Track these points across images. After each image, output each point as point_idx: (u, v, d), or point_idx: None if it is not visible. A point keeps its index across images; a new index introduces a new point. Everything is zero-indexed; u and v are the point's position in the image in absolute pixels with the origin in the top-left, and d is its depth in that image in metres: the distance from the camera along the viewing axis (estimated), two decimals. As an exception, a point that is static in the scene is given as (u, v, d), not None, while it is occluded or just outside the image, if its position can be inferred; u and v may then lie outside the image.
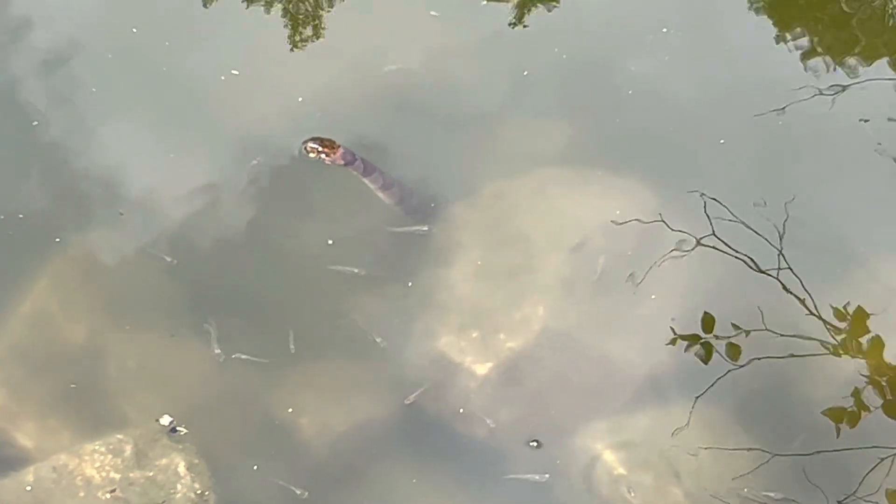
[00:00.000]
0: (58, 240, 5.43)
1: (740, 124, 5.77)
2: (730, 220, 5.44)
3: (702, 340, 5.21)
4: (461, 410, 5.17)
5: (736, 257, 5.40)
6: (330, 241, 5.43)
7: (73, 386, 5.16)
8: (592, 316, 5.33)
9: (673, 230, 5.42)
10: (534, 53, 6.01)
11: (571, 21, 6.17)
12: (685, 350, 5.24)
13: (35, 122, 5.72)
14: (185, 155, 5.69)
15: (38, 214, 5.54)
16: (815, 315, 5.29)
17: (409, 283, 5.44)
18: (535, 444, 5.06)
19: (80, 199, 5.57)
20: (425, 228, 5.38)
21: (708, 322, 5.24)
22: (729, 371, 5.23)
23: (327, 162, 5.56)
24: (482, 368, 5.20)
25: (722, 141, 5.74)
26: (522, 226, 5.59)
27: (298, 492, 4.96)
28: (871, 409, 5.11)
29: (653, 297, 5.34)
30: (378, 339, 5.24)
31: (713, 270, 5.42)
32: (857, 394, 5.13)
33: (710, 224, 5.49)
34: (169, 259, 5.33)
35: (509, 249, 5.51)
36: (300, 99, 5.77)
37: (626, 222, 5.50)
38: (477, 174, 5.73)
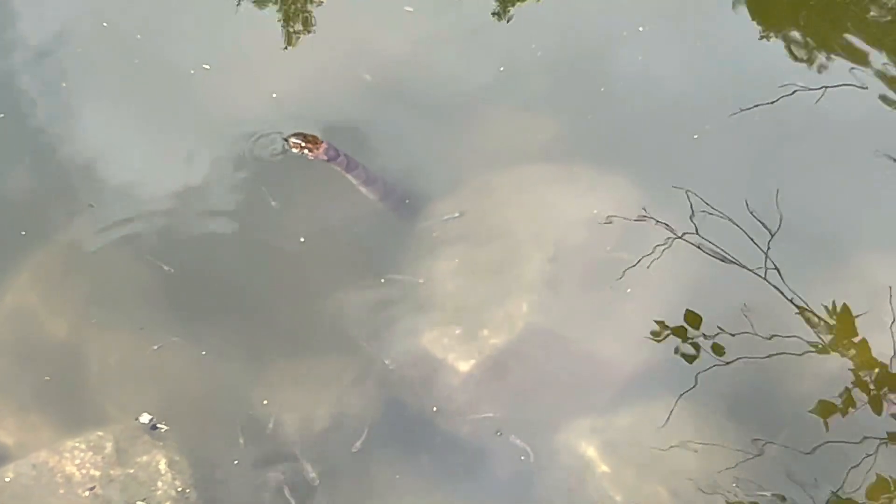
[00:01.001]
0: (23, 233, 5.37)
1: (726, 120, 5.74)
2: (717, 217, 5.41)
3: (689, 339, 5.20)
4: (443, 407, 5.13)
5: (723, 257, 5.37)
6: (302, 239, 5.40)
7: (53, 382, 5.13)
8: (577, 312, 5.31)
9: (658, 222, 5.39)
10: (513, 48, 5.97)
11: (550, 16, 6.12)
12: (675, 352, 5.19)
13: (1, 115, 5.66)
14: (162, 149, 5.69)
15: (15, 207, 5.52)
16: (807, 311, 5.26)
17: (391, 279, 5.39)
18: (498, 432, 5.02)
19: (57, 193, 5.55)
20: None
21: (693, 319, 5.23)
22: (714, 366, 5.19)
23: (310, 157, 5.54)
24: (465, 365, 5.18)
25: (697, 136, 5.72)
26: (506, 221, 5.56)
27: (282, 489, 4.93)
28: (857, 404, 5.09)
29: (637, 294, 5.32)
30: (359, 335, 5.21)
31: (699, 268, 5.40)
32: (847, 393, 5.12)
33: (693, 222, 5.45)
34: (167, 268, 5.28)
35: (493, 245, 5.49)
36: (274, 95, 5.74)
37: (610, 219, 5.45)
38: (460, 169, 5.71)
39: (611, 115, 5.84)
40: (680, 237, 5.39)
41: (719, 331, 5.22)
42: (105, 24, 5.91)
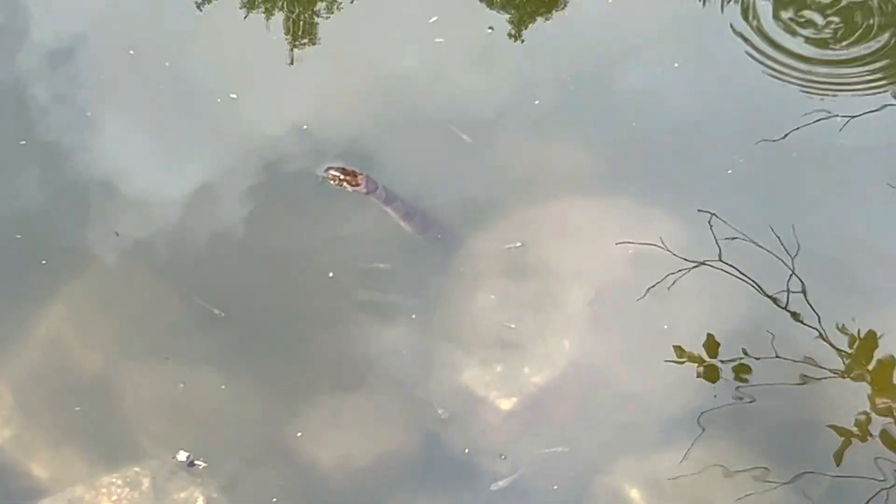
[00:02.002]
0: (44, 262, 5.32)
1: (759, 151, 5.68)
2: (765, 253, 5.32)
3: (705, 364, 5.13)
4: (482, 446, 5.05)
5: (767, 294, 5.29)
6: (331, 274, 5.33)
7: (87, 415, 5.06)
8: (619, 350, 5.23)
9: (701, 264, 5.31)
10: (546, 82, 5.92)
11: (583, 51, 6.06)
12: (697, 375, 5.11)
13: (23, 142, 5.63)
14: (189, 179, 5.63)
15: (43, 236, 5.46)
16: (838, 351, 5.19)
17: (431, 315, 5.32)
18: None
19: (86, 221, 5.51)
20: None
21: (712, 346, 5.16)
22: (744, 401, 5.12)
23: (349, 190, 5.48)
24: (507, 403, 5.10)
25: (730, 171, 5.63)
26: (546, 256, 5.49)
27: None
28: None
29: (680, 329, 5.23)
30: (400, 372, 5.13)
31: (743, 305, 5.31)
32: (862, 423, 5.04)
33: (718, 254, 5.37)
34: (217, 311, 5.21)
35: (533, 280, 5.42)
36: (305, 126, 5.69)
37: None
38: (498, 203, 5.63)
39: (645, 147, 5.75)
40: (714, 267, 5.29)
41: (744, 355, 5.15)
42: (132, 52, 5.86)
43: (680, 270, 5.32)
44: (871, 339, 5.21)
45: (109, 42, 5.99)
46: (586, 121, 5.89)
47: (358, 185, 5.48)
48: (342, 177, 5.48)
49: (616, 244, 5.45)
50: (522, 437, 5.07)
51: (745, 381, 5.14)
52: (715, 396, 5.13)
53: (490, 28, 6.04)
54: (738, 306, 5.35)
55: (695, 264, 5.39)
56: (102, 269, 5.41)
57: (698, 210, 5.52)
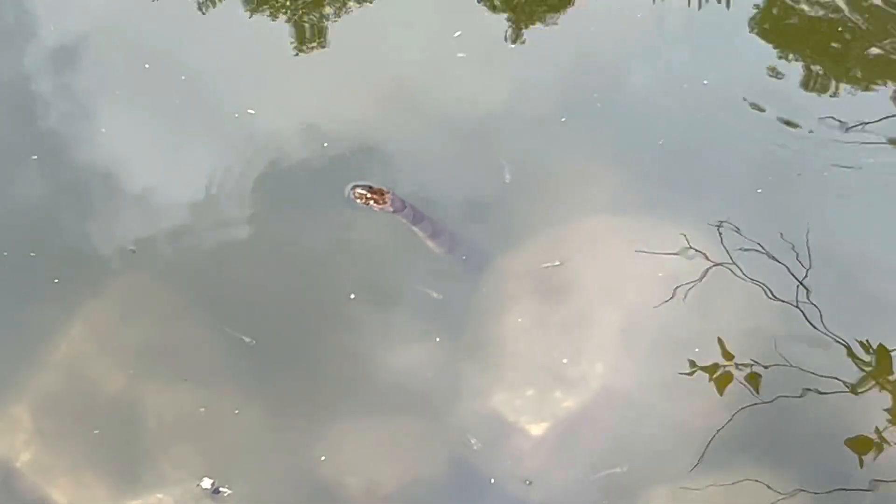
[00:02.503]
0: (56, 280, 5.21)
1: (782, 170, 5.59)
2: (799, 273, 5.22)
3: (719, 372, 5.05)
4: (513, 472, 4.92)
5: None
6: (352, 296, 5.20)
7: (107, 438, 4.94)
8: (654, 373, 5.09)
9: (749, 279, 5.17)
10: (571, 100, 5.82)
11: (606, 69, 5.96)
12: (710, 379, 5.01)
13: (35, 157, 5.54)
14: (206, 196, 5.53)
15: (61, 253, 5.36)
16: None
17: (459, 337, 5.20)
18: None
19: (103, 239, 5.39)
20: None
21: (727, 354, 5.06)
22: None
23: (376, 209, 5.37)
24: (538, 429, 4.97)
25: (760, 190, 5.56)
26: (576, 277, 5.37)
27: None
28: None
29: (712, 351, 5.10)
30: (427, 397, 5.01)
31: (779, 323, 5.18)
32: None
33: (763, 286, 5.25)
34: (247, 340, 5.09)
35: (564, 302, 5.29)
36: (325, 144, 5.60)
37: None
38: (526, 222, 5.51)
39: (673, 162, 5.65)
40: (744, 278, 5.17)
41: (752, 361, 5.07)
42: (147, 66, 5.75)
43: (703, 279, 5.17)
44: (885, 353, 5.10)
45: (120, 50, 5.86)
46: (612, 136, 5.75)
47: (385, 203, 5.36)
48: (368, 195, 5.37)
49: (635, 251, 5.30)
50: (554, 464, 4.93)
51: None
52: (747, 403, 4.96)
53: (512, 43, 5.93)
54: (773, 326, 5.22)
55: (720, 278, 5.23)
56: (121, 288, 5.28)
57: (729, 229, 5.40)
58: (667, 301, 5.25)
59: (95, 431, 4.94)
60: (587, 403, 5.01)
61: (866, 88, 5.97)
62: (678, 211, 5.50)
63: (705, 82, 5.86)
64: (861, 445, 4.94)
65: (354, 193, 5.39)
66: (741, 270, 5.32)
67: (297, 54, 5.98)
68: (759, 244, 5.36)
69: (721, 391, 5.04)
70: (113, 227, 5.44)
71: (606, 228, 5.53)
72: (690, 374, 5.05)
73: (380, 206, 5.37)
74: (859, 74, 6.00)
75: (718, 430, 4.99)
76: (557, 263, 5.26)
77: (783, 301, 5.21)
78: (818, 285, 5.23)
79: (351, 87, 5.82)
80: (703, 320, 5.21)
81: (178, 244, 5.40)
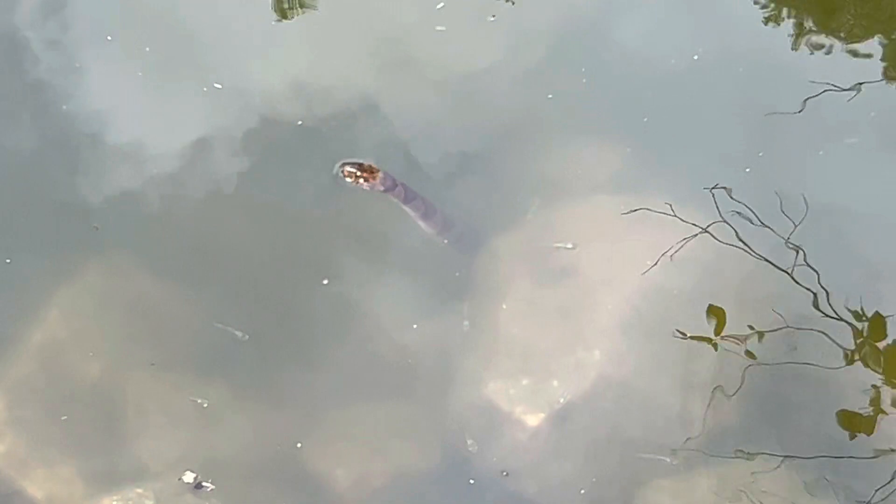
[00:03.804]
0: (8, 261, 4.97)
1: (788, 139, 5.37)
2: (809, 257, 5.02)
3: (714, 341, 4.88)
4: (510, 466, 4.73)
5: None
6: (325, 281, 4.99)
7: (85, 430, 4.76)
8: (654, 361, 4.90)
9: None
10: (559, 77, 5.58)
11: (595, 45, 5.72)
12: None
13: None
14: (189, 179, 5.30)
15: (47, 233, 5.15)
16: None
17: (450, 323, 5.00)
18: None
19: (82, 220, 5.16)
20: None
21: (719, 319, 4.90)
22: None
23: (365, 188, 5.14)
24: (534, 419, 4.78)
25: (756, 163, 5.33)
26: (574, 259, 5.15)
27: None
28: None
29: (721, 339, 4.91)
30: (418, 386, 4.81)
31: (788, 306, 4.99)
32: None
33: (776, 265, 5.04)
34: (240, 334, 4.87)
35: (560, 286, 5.09)
36: (300, 122, 5.35)
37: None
38: (520, 202, 5.29)
39: (666, 139, 5.43)
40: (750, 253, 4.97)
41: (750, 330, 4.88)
42: (109, 38, 5.50)
43: (723, 275, 4.98)
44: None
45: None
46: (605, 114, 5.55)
47: (375, 181, 5.14)
48: (358, 173, 5.15)
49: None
50: (550, 456, 4.74)
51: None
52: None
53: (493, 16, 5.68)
54: (783, 307, 5.03)
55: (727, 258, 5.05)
56: (99, 271, 5.08)
57: (734, 207, 5.21)
58: (667, 284, 5.04)
59: (72, 422, 4.74)
60: (585, 393, 4.81)
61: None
62: (678, 190, 5.28)
63: (695, 58, 5.60)
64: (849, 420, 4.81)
65: (343, 171, 5.16)
66: (749, 251, 5.12)
67: (279, 20, 5.72)
68: (769, 227, 5.14)
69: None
70: (88, 204, 5.21)
71: (604, 207, 5.31)
72: (684, 337, 4.88)
73: (370, 185, 5.15)
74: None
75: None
76: (570, 246, 5.04)
77: (800, 284, 5.01)
78: (838, 278, 5.02)
79: (338, 48, 5.59)
80: (706, 303, 5.00)
81: (158, 223, 5.18)
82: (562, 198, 5.34)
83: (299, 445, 4.73)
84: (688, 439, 4.79)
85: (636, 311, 4.95)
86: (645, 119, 5.45)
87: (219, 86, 5.39)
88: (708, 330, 4.97)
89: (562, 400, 4.78)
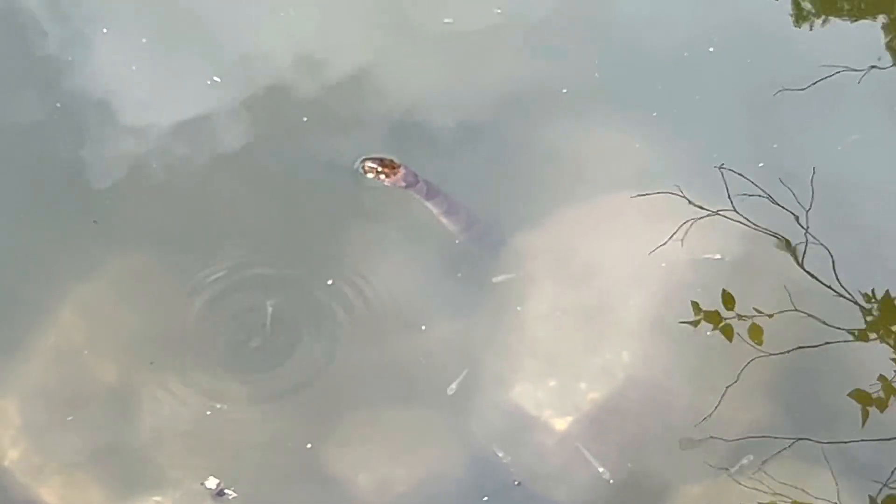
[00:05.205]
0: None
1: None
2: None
3: (723, 323, 4.77)
4: (537, 470, 4.62)
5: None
6: (329, 282, 4.88)
7: (102, 435, 4.64)
8: (684, 362, 4.78)
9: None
10: (573, 70, 5.49)
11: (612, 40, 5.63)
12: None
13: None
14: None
15: (59, 234, 5.03)
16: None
17: (475, 323, 4.88)
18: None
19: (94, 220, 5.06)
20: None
21: (728, 300, 4.78)
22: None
23: (387, 184, 5.03)
24: (562, 423, 4.66)
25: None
26: (599, 257, 5.05)
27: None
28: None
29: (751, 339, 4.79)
30: (442, 390, 4.69)
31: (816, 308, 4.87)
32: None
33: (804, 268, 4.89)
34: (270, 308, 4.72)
35: (586, 285, 4.97)
36: (305, 119, 5.24)
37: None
38: (543, 199, 5.17)
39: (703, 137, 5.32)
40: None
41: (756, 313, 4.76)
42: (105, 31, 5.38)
43: (754, 273, 4.86)
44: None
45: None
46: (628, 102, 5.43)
47: (396, 177, 5.01)
48: (379, 169, 5.02)
49: (631, 197, 4.98)
50: (579, 461, 4.63)
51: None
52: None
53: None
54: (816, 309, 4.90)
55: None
56: (115, 270, 4.96)
57: (759, 201, 5.07)
58: (694, 282, 4.92)
59: (88, 428, 4.62)
60: (614, 395, 4.69)
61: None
62: (705, 185, 5.15)
63: (711, 50, 5.48)
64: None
65: (364, 167, 5.04)
66: (774, 247, 5.01)
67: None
68: (796, 218, 5.00)
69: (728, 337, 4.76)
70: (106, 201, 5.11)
71: (628, 203, 5.17)
72: (694, 323, 4.77)
73: (391, 181, 5.02)
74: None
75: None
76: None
77: (840, 295, 4.88)
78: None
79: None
80: (742, 303, 4.87)
81: (173, 222, 5.06)
82: (584, 194, 5.21)
83: (309, 446, 4.60)
84: (719, 440, 4.67)
85: (662, 310, 4.83)
86: (673, 111, 5.35)
87: (217, 79, 5.28)
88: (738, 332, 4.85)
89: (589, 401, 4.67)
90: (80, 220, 5.07)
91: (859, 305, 4.89)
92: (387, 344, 4.84)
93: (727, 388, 4.68)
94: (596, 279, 4.98)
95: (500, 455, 4.57)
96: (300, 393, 4.75)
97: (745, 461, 4.62)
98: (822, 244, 4.96)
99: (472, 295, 4.97)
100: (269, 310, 4.78)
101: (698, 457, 4.65)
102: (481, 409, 4.72)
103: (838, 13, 5.79)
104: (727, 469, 4.62)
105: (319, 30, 5.45)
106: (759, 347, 4.76)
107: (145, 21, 5.46)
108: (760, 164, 5.22)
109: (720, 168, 5.12)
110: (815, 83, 5.32)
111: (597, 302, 4.92)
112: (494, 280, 4.91)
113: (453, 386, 4.65)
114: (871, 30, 5.73)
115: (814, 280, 4.93)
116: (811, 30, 5.71)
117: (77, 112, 5.24)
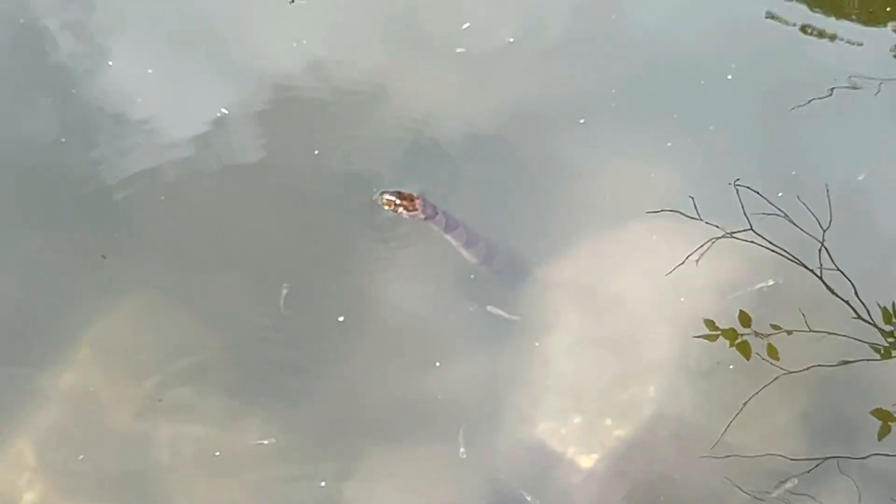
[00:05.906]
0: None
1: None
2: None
3: (738, 341, 4.70)
4: (564, 508, 4.55)
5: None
6: (341, 318, 4.80)
7: (119, 476, 4.57)
8: (712, 397, 4.69)
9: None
10: (590, 98, 5.40)
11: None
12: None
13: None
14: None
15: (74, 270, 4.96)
16: None
17: (497, 357, 4.79)
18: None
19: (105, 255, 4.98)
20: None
21: (744, 320, 4.70)
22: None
23: (405, 216, 4.95)
24: (587, 461, 4.58)
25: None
26: (623, 289, 4.96)
27: None
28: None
29: (781, 373, 4.69)
30: (463, 426, 4.61)
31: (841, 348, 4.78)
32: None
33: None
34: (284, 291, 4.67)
35: (610, 318, 4.89)
36: (316, 152, 5.16)
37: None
38: (565, 229, 5.09)
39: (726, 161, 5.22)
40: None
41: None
42: (110, 63, 5.32)
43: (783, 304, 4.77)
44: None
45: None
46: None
47: (415, 210, 4.94)
48: (397, 201, 4.95)
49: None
50: (606, 500, 4.54)
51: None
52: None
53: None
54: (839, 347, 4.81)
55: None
56: (131, 308, 4.88)
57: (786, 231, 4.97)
58: (722, 312, 4.84)
59: (106, 469, 4.55)
60: (640, 431, 4.60)
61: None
62: (729, 213, 5.05)
63: (729, 77, 5.40)
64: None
65: (382, 200, 4.97)
66: (803, 276, 4.92)
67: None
68: (823, 244, 4.91)
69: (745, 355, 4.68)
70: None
71: (651, 232, 5.10)
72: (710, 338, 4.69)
73: (410, 214, 4.95)
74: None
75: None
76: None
77: (862, 319, 4.80)
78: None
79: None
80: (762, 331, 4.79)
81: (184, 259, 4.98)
82: (606, 223, 5.13)
83: (323, 484, 4.52)
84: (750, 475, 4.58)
85: (688, 343, 4.74)
86: (688, 140, 5.25)
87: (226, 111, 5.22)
88: (764, 362, 4.76)
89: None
90: (92, 257, 4.99)
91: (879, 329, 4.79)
92: (410, 381, 4.75)
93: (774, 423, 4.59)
94: (620, 312, 4.89)
95: (529, 499, 4.48)
96: (315, 430, 4.66)
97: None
98: (839, 270, 4.85)
99: (492, 327, 4.88)
100: (282, 344, 4.71)
101: (721, 492, 4.55)
102: (504, 448, 4.63)
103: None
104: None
105: (333, 47, 5.40)
106: (782, 366, 4.67)
107: (154, 48, 5.39)
108: (780, 194, 5.13)
109: (735, 184, 5.04)
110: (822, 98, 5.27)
111: (621, 335, 4.84)
112: (489, 308, 4.83)
113: (462, 449, 4.57)
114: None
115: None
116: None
117: (87, 139, 5.17)
